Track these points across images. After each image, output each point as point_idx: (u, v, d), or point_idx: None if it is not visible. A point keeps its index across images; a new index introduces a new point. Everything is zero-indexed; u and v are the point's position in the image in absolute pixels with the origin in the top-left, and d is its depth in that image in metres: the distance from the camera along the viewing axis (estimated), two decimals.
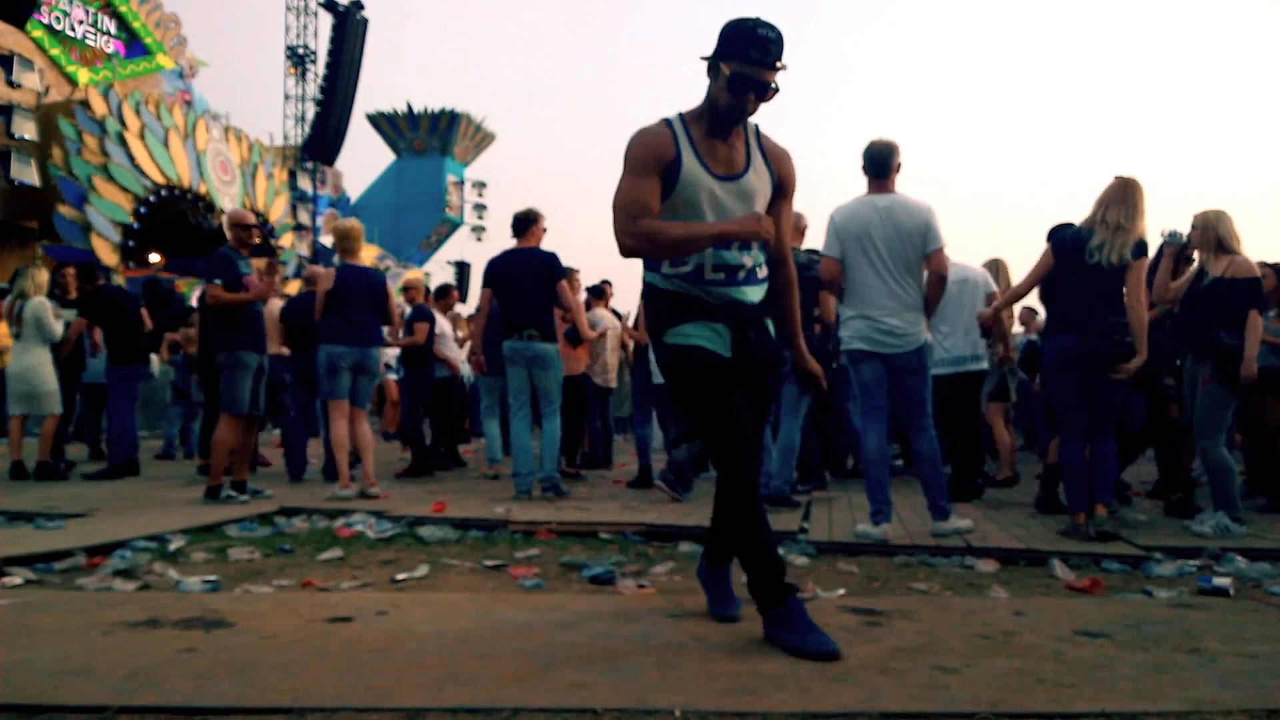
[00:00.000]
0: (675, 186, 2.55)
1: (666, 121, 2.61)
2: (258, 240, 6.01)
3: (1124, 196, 4.25)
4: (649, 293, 2.71)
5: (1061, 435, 4.46)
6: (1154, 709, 1.97)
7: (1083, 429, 4.36)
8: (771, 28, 2.50)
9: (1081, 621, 2.75)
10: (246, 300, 5.60)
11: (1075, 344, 4.28)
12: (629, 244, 2.52)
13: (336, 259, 6.29)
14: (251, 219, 5.94)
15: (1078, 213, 4.99)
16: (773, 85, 2.51)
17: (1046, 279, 4.58)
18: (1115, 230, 4.20)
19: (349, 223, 6.17)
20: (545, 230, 6.08)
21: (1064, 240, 4.35)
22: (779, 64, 2.50)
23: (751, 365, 2.64)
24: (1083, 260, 4.23)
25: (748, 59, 2.47)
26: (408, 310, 7.75)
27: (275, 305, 7.44)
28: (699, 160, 2.56)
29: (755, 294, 2.67)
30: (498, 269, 5.97)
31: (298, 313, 7.04)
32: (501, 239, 44.02)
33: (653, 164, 2.53)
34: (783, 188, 2.73)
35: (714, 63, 2.54)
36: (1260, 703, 2.00)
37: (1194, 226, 4.85)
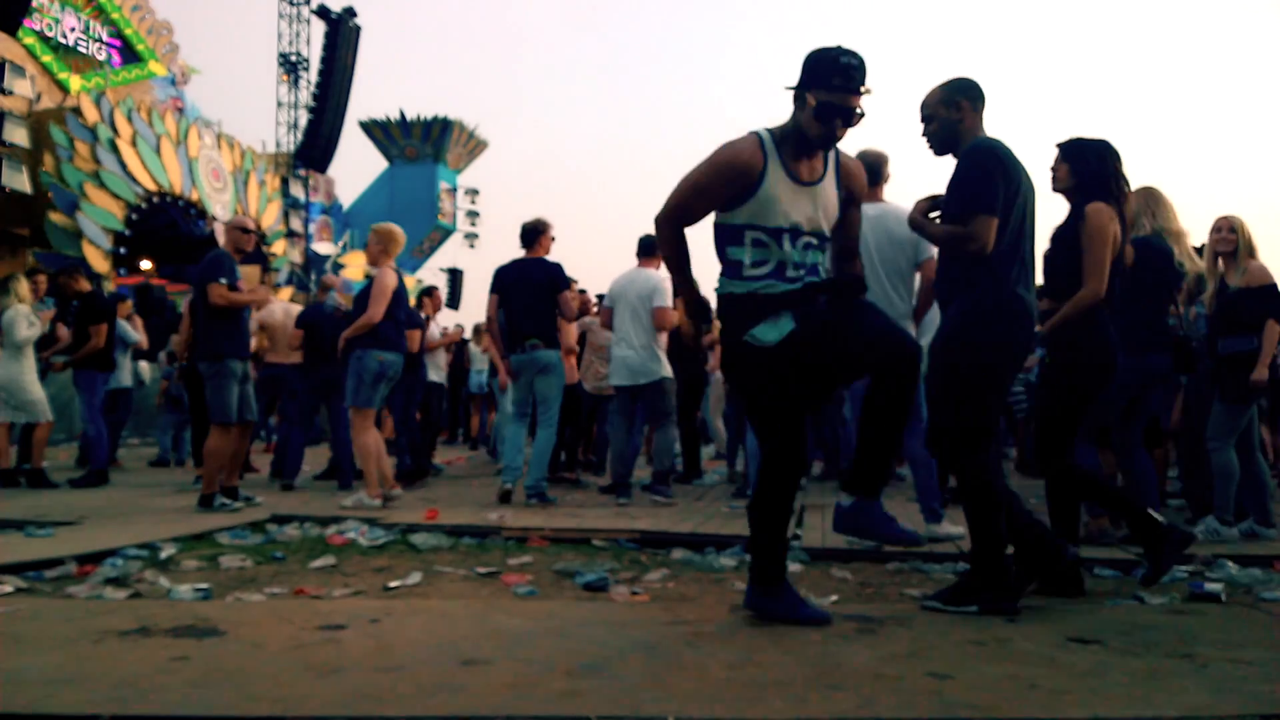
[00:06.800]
0: (756, 197, 2.71)
1: (758, 138, 2.74)
2: (251, 247, 5.95)
3: (1161, 204, 4.21)
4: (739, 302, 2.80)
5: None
6: (1147, 715, 1.97)
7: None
8: (854, 54, 2.64)
9: (1074, 628, 2.75)
10: (249, 302, 5.57)
11: (1168, 365, 4.25)
12: (661, 225, 2.82)
13: (341, 268, 6.26)
14: (250, 224, 5.95)
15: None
16: (858, 110, 2.66)
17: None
18: (1178, 238, 4.18)
19: (393, 226, 6.05)
20: (553, 239, 6.12)
21: (1154, 250, 4.13)
22: (863, 89, 2.64)
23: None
24: (1173, 271, 4.14)
25: (832, 87, 2.62)
26: None
27: (278, 310, 7.40)
28: (784, 168, 2.72)
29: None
30: (502, 278, 6.02)
31: (318, 323, 7.02)
32: (494, 246, 44.01)
33: (727, 180, 2.72)
34: (853, 198, 2.92)
35: (799, 93, 2.68)
36: (1253, 708, 2.00)
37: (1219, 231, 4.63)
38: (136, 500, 6.07)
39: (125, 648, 2.45)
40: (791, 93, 2.72)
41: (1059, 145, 3.53)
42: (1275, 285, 4.58)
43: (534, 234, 6.06)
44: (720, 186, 2.73)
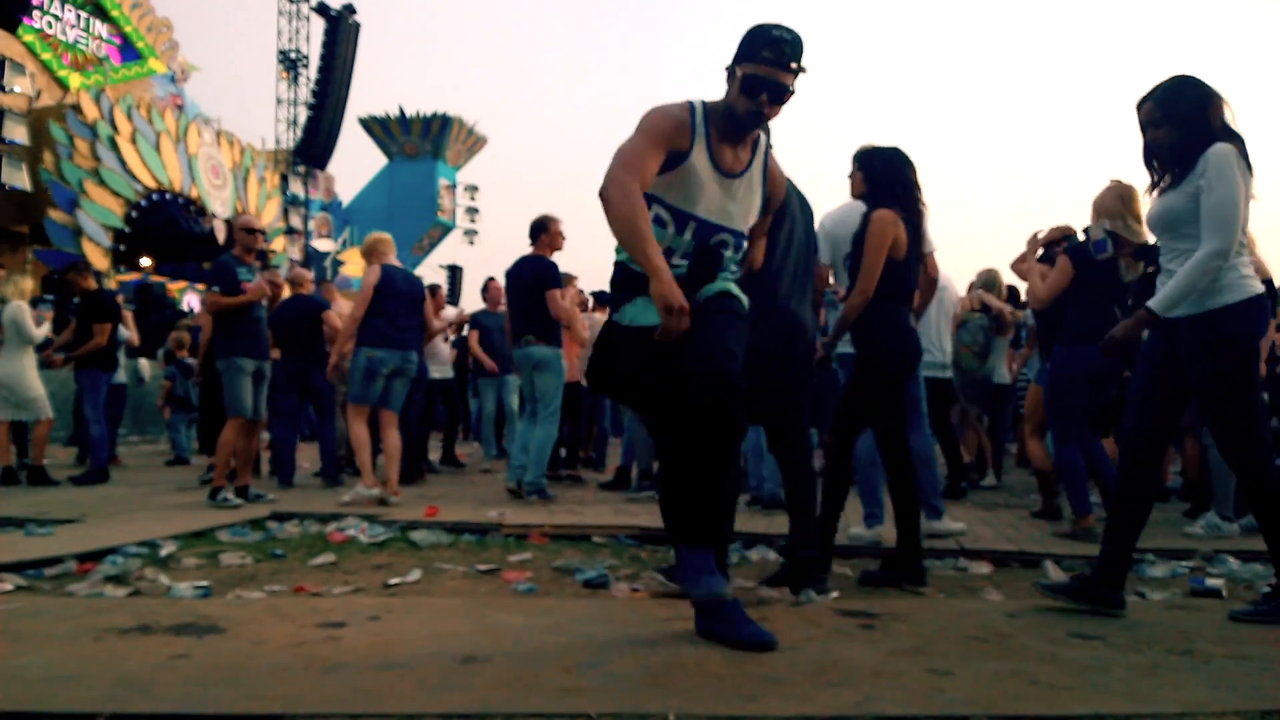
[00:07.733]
0: (677, 169, 2.54)
1: (690, 108, 2.58)
2: (260, 246, 6.06)
3: (1131, 210, 4.22)
4: (619, 274, 2.69)
5: (1062, 440, 4.42)
6: (1147, 711, 1.97)
7: (1081, 433, 4.38)
8: (788, 30, 2.50)
9: (1075, 623, 2.75)
10: (243, 303, 5.65)
11: (1110, 359, 4.29)
12: (608, 192, 2.44)
13: (340, 265, 6.31)
14: (255, 223, 6.01)
15: (1066, 217, 4.95)
16: (788, 87, 2.51)
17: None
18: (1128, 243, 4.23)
19: (374, 234, 6.23)
20: (562, 235, 6.08)
21: (1088, 252, 4.27)
22: (794, 65, 2.50)
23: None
24: (1116, 271, 4.24)
25: (760, 59, 2.47)
26: None
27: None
28: (708, 153, 2.57)
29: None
30: (507, 274, 6.16)
31: (284, 316, 7.01)
32: (494, 243, 44.02)
33: (664, 142, 2.51)
34: (768, 206, 2.80)
35: (731, 68, 2.56)
36: (1253, 704, 2.00)
37: None
38: (137, 498, 6.08)
39: (125, 645, 2.44)
40: (726, 72, 2.57)
41: (854, 155, 3.69)
42: (1271, 281, 4.58)
43: (537, 230, 6.05)
44: (664, 145, 2.49)
